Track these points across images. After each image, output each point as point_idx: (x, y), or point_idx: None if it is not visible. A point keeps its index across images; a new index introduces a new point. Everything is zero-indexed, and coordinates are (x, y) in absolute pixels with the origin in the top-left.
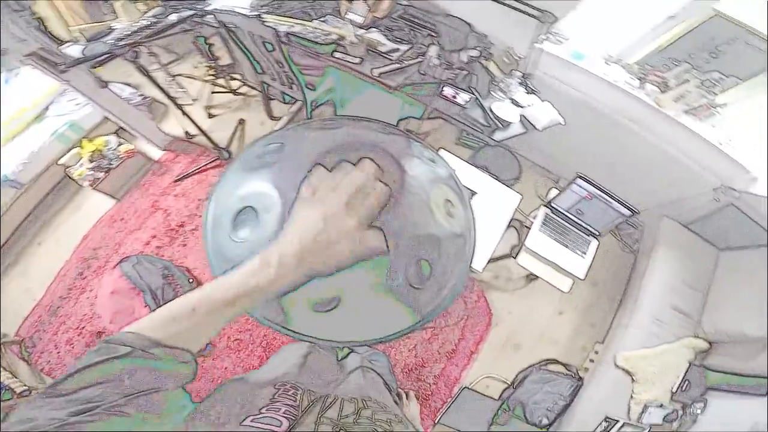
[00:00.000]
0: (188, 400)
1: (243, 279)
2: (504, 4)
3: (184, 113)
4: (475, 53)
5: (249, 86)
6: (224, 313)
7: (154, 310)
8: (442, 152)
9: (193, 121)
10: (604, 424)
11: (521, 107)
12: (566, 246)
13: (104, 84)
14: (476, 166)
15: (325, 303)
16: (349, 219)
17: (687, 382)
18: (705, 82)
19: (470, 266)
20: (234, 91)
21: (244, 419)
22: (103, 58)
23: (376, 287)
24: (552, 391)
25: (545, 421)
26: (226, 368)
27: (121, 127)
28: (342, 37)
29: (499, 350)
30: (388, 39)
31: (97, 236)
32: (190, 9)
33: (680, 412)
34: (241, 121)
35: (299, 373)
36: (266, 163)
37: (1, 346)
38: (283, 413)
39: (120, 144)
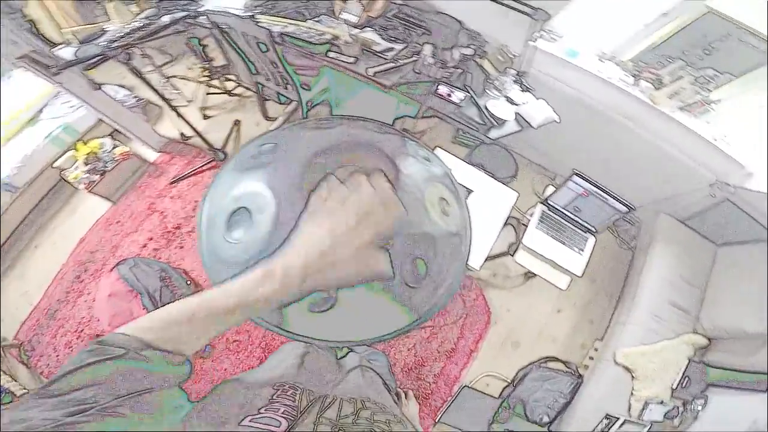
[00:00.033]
0: (185, 400)
1: (245, 289)
2: (497, 2)
3: (179, 115)
4: (469, 51)
5: (244, 87)
6: (223, 320)
7: None
8: (438, 151)
9: (188, 123)
10: (605, 421)
11: (516, 105)
12: (563, 243)
13: (98, 86)
14: (472, 165)
15: (321, 303)
16: (357, 239)
17: (687, 378)
18: (699, 78)
19: (467, 264)
20: (229, 92)
21: (243, 419)
22: (95, 60)
23: (372, 287)
24: (552, 388)
25: (546, 419)
26: (225, 369)
27: (116, 130)
28: (336, 37)
29: (498, 348)
30: (383, 38)
31: (94, 239)
32: (183, 10)
33: (681, 409)
34: (237, 122)
35: (297, 373)
36: (260, 163)
37: (1, 349)
38: (282, 413)
39: (115, 146)
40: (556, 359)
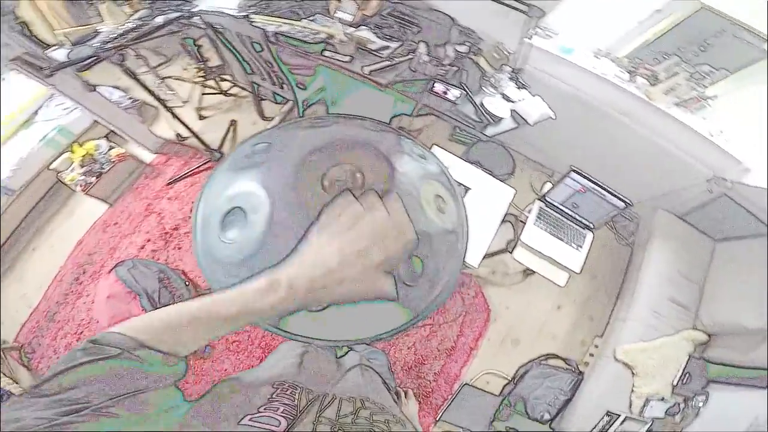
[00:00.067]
0: (180, 400)
1: (247, 297)
2: (493, 0)
3: (175, 116)
4: (464, 49)
5: (239, 87)
6: (223, 326)
7: None
8: (435, 149)
9: (184, 124)
10: (606, 418)
11: (512, 102)
12: (561, 239)
13: (92, 88)
14: (470, 162)
15: None
16: (366, 261)
17: (688, 374)
18: (694, 74)
19: (464, 262)
20: (224, 93)
21: (242, 418)
22: (89, 61)
23: None
24: (552, 386)
25: (547, 416)
26: (225, 370)
27: (112, 131)
28: (331, 36)
29: (498, 346)
30: (378, 37)
31: (92, 241)
32: (176, 11)
33: (682, 405)
34: (233, 122)
35: (297, 372)
36: (254, 162)
37: (2, 352)
38: (282, 412)
39: (111, 148)
40: (556, 356)
